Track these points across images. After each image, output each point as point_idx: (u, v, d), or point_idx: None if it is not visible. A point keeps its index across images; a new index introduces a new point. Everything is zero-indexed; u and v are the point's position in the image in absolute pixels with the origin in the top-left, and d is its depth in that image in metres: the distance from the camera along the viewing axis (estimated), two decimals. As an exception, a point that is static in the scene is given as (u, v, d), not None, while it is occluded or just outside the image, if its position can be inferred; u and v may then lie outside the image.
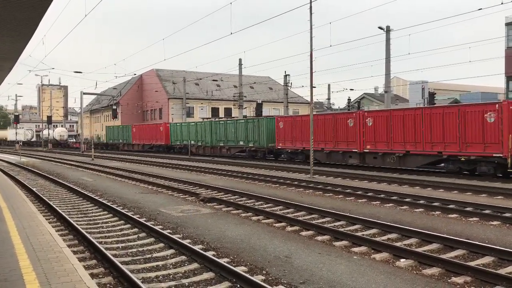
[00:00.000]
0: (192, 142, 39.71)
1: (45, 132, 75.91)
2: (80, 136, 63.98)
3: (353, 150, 23.53)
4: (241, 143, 33.45)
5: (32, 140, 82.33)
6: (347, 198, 13.82)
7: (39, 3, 8.78)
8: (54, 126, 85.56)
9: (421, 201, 12.66)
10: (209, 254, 7.37)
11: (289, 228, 9.69)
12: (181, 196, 14.78)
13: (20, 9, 9.19)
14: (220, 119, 40.34)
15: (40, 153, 50.98)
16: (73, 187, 16.75)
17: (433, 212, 11.32)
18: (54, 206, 12.05)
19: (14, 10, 9.22)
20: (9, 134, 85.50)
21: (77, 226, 9.41)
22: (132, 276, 6.11)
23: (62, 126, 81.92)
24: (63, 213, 10.94)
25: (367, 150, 22.75)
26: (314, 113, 25.33)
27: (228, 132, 35.11)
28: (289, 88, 44.30)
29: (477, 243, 7.83)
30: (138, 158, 36.69)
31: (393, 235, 8.93)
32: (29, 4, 8.84)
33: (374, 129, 22.34)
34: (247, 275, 6.17)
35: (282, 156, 30.55)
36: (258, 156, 32.29)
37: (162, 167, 27.94)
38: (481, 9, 20.06)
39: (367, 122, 22.75)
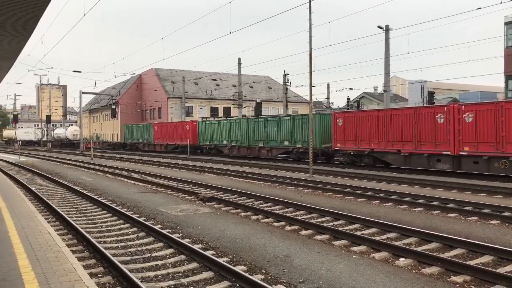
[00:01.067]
0: (225, 142, 35.60)
1: (57, 131, 70.55)
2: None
3: (444, 153, 19.26)
4: (286, 143, 29.11)
5: (43, 139, 75.40)
6: (347, 198, 13.82)
7: (38, 2, 8.77)
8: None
9: (421, 200, 12.66)
10: (209, 253, 7.37)
11: (288, 228, 9.69)
12: (181, 196, 14.77)
13: (19, 8, 9.17)
14: (260, 117, 34.57)
15: (40, 152, 50.94)
16: (72, 186, 16.74)
17: (433, 211, 11.33)
18: (53, 205, 12.04)
19: (13, 9, 9.20)
20: (19, 133, 79.53)
21: (76, 225, 9.40)
22: (131, 275, 6.10)
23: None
24: (62, 213, 10.93)
25: (465, 153, 18.51)
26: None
27: (270, 130, 30.57)
28: (288, 87, 44.29)
29: (476, 242, 7.83)
30: (138, 158, 36.68)
31: (392, 234, 8.93)
32: (28, 3, 8.82)
33: (476, 127, 18.06)
34: (246, 274, 6.16)
35: (341, 158, 26.11)
36: (308, 159, 25.76)
37: (161, 166, 27.93)
38: (480, 8, 20.05)
39: (465, 117, 18.47)
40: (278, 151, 30.66)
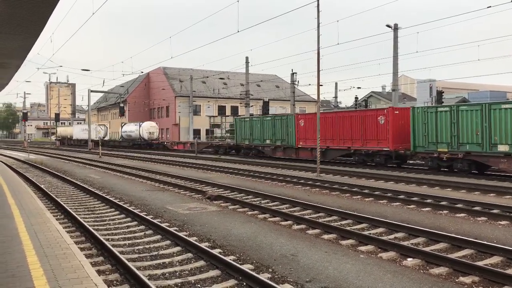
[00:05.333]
0: (476, 148, 18.10)
1: (128, 128, 54.96)
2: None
3: None
4: None
5: (105, 138, 60.21)
6: (354, 197, 13.77)
7: (47, 1, 8.83)
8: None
9: (429, 200, 12.58)
10: (216, 251, 7.38)
11: (295, 227, 9.68)
12: (188, 194, 14.81)
13: (28, 8, 9.25)
14: None
15: (49, 150, 51.35)
16: (81, 184, 16.84)
17: (441, 211, 11.25)
18: (61, 203, 12.13)
19: (23, 8, 9.27)
20: (76, 131, 65.64)
21: (84, 223, 9.47)
22: (139, 273, 6.13)
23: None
24: (70, 210, 11.01)
25: None
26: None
27: None
28: (296, 86, 44.22)
29: (485, 242, 7.77)
30: (146, 156, 36.82)
31: (400, 234, 8.89)
32: (37, 2, 8.88)
33: None
34: (253, 273, 6.16)
35: None
36: None
37: (169, 165, 28.02)
38: (490, 6, 19.81)
39: None
40: None
